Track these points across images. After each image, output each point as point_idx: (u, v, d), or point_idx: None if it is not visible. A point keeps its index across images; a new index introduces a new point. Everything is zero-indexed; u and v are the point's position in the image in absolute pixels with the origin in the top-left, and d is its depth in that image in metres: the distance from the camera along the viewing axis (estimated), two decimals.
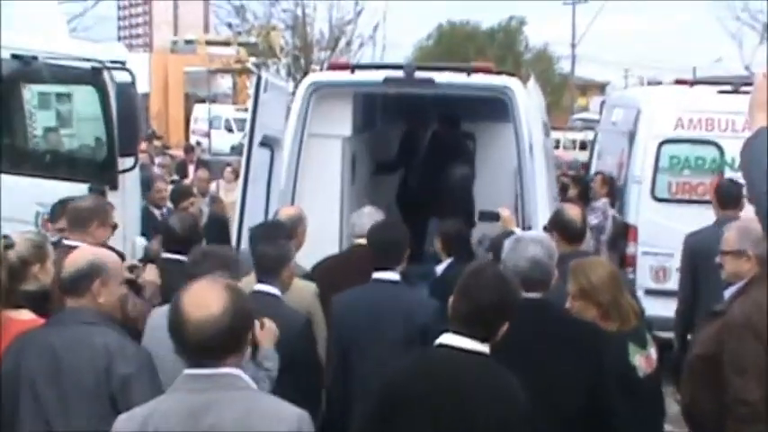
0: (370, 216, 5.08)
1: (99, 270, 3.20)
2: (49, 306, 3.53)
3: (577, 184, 8.87)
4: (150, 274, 4.49)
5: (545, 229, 5.25)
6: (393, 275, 4.23)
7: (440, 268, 5.46)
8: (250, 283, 3.89)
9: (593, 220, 7.56)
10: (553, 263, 3.52)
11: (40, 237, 3.92)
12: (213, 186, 10.78)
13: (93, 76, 6.58)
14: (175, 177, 10.65)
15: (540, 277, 3.48)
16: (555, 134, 29.63)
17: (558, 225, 4.80)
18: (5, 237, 3.66)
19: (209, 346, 2.36)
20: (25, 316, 3.43)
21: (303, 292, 4.21)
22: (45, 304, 3.55)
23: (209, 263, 3.59)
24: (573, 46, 43.33)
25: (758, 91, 2.63)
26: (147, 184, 7.78)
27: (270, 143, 6.29)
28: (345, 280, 4.37)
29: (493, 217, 5.92)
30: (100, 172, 6.74)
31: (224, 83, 42.04)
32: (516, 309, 2.99)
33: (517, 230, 5.22)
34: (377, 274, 4.22)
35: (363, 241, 4.74)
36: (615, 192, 8.35)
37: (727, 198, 5.92)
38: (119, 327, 3.25)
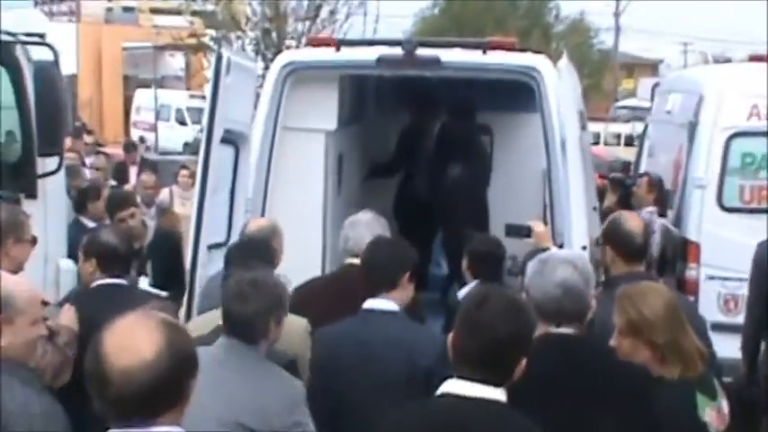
0: (369, 227, 5.05)
1: (2, 305, 3.14)
2: None
3: (617, 188, 8.95)
4: (66, 317, 4.46)
5: (584, 248, 5.29)
6: (389, 305, 4.19)
7: (462, 293, 5.49)
8: (213, 321, 3.92)
9: None
10: (590, 289, 3.55)
11: None
12: (163, 194, 10.81)
13: (1, 53, 6.40)
14: (113, 183, 10.65)
15: (574, 307, 3.51)
16: (594, 127, 29.87)
17: (613, 238, 4.83)
18: None
19: (140, 399, 2.33)
20: None
21: (290, 329, 4.13)
22: None
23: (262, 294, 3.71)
24: (616, 15, 43.70)
25: None
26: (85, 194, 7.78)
27: (234, 139, 6.34)
28: (334, 310, 4.37)
29: (523, 232, 5.98)
30: (13, 176, 6.50)
31: (174, 62, 42.11)
32: (531, 339, 3.01)
33: (553, 248, 5.27)
34: (369, 303, 4.21)
35: (358, 261, 4.76)
36: (665, 198, 8.40)
37: None
38: (32, 376, 3.20)
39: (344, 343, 4.13)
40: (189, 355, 2.43)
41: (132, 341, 2.34)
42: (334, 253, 6.97)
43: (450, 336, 2.98)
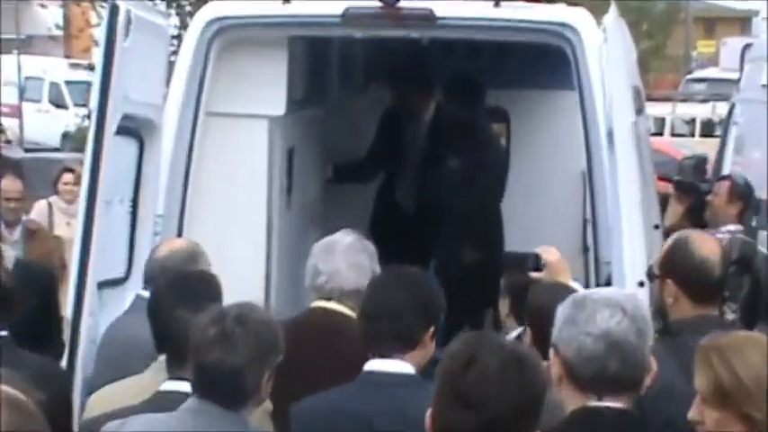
0: (348, 256, 5.15)
1: None
2: None
3: (686, 196, 9.03)
4: None
5: (641, 284, 5.34)
6: (402, 366, 4.26)
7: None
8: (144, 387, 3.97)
9: None
10: (646, 345, 3.59)
11: None
12: (37, 209, 10.82)
13: None
14: None
15: (624, 370, 3.54)
16: (656, 109, 29.59)
17: (677, 268, 4.88)
18: None
19: None
20: None
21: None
22: None
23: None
24: None
25: None
26: None
27: (137, 129, 6.40)
28: (301, 376, 4.45)
29: (528, 264, 5.94)
30: None
31: (47, 16, 42.09)
32: (541, 409, 3.03)
33: (575, 285, 5.33)
34: (373, 365, 4.29)
35: (334, 305, 4.94)
36: (754, 212, 8.46)
37: None
38: None
39: (337, 422, 4.18)
40: None
41: None
42: (282, 289, 7.01)
43: (429, 413, 3.01)
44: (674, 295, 4.79)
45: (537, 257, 5.74)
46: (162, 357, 4.37)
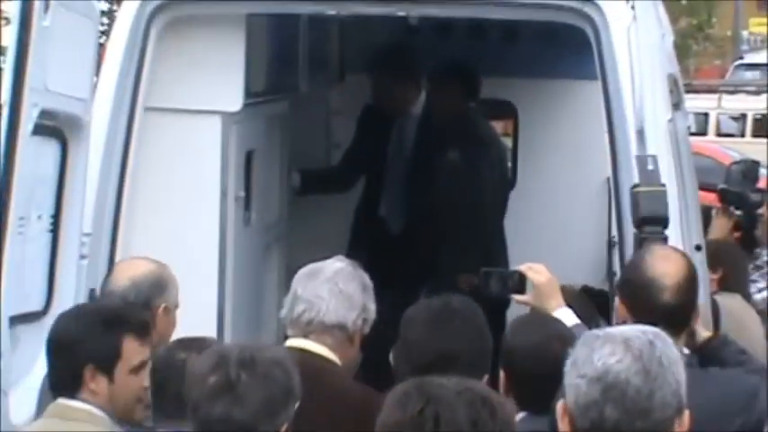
0: (332, 281, 5.25)
1: None
2: None
3: (733, 207, 9.06)
4: None
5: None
6: None
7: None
8: None
9: (756, 294, 7.74)
10: (658, 386, 3.56)
11: None
12: None
13: None
14: None
15: (627, 421, 3.49)
16: (698, 103, 29.50)
17: (626, 288, 5.13)
18: None
19: None
20: None
21: None
22: None
23: None
24: None
25: None
26: None
27: (60, 128, 6.38)
28: None
29: (509, 284, 5.87)
30: None
31: None
32: None
33: (566, 314, 5.39)
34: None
35: (312, 345, 5.08)
36: None
37: None
38: None
39: None
40: None
41: None
42: (239, 325, 7.01)
43: None
44: (623, 319, 4.97)
45: (521, 277, 5.69)
46: (60, 400, 4.49)
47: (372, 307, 5.38)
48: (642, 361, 3.49)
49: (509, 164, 8.60)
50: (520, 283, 5.64)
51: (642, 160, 5.92)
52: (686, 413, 3.51)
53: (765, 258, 8.05)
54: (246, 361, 3.77)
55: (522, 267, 5.76)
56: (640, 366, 3.48)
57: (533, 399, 4.95)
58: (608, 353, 3.48)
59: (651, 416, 3.49)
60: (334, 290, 5.20)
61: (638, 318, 4.79)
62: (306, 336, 5.16)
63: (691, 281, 5.07)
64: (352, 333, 5.28)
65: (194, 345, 4.66)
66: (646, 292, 4.93)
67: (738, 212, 9.12)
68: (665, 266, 5.02)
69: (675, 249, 5.44)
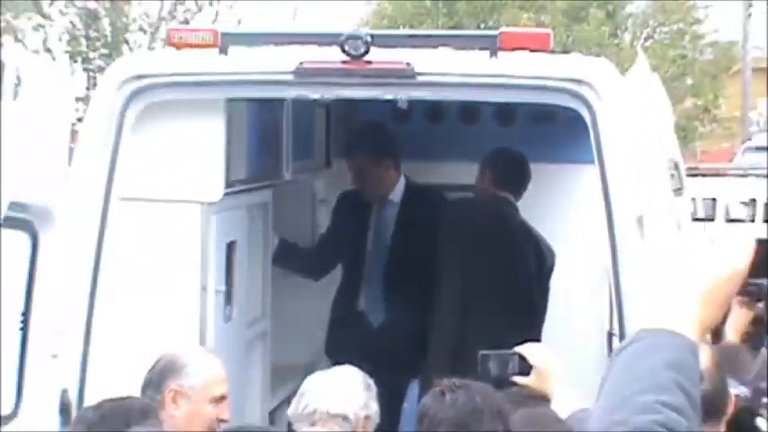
0: (337, 378, 5.66)
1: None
2: None
3: (751, 300, 9.09)
4: None
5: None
6: None
7: None
8: None
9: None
10: None
11: None
12: None
13: None
14: None
15: None
16: (706, 185, 29.47)
17: None
18: None
19: None
20: None
21: None
22: None
23: None
24: None
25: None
26: None
27: (29, 221, 6.41)
28: None
29: (508, 368, 5.91)
30: None
31: None
32: None
33: (567, 397, 5.36)
34: None
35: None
36: None
37: None
38: None
39: None
40: None
41: None
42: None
43: None
44: None
45: (522, 359, 5.73)
46: None
47: (374, 406, 5.61)
48: None
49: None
50: (520, 365, 5.70)
51: None
52: None
53: None
54: None
55: (520, 349, 5.79)
56: None
57: None
58: None
59: None
60: (336, 386, 5.54)
61: None
62: (313, 424, 5.42)
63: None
64: (354, 425, 5.49)
65: None
66: None
67: (760, 305, 9.15)
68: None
69: None
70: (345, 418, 5.46)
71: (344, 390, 5.60)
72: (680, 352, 2.93)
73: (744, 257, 3.05)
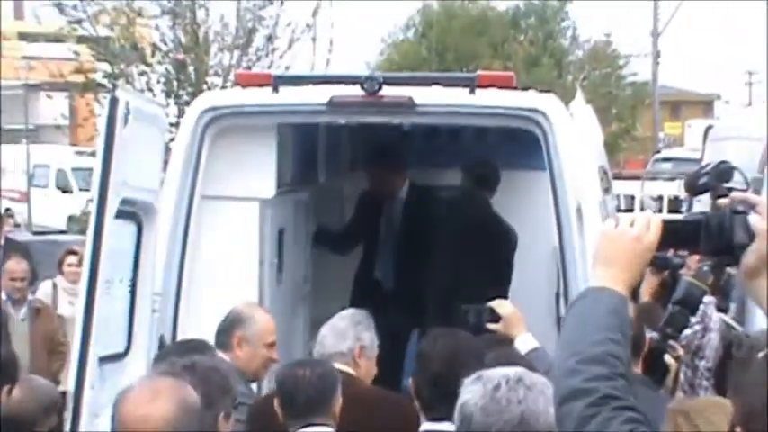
0: (331, 324, 5.54)
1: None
2: None
3: (658, 270, 9.03)
4: None
5: None
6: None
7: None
8: None
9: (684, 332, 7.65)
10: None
11: None
12: (43, 289, 10.79)
13: None
14: None
15: None
16: (625, 187, 29.81)
17: None
18: None
19: None
20: None
21: None
22: None
23: None
24: (655, 36, 44.25)
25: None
26: None
27: (136, 213, 6.42)
28: None
29: (484, 317, 5.90)
30: None
31: (54, 107, 42.13)
32: None
33: (528, 339, 5.38)
34: (429, 426, 4.39)
35: (344, 367, 5.22)
36: (725, 285, 8.44)
37: None
38: None
39: None
40: None
41: None
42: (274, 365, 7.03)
43: None
44: None
45: (492, 311, 5.76)
46: None
47: (367, 337, 5.52)
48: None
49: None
50: (491, 315, 5.70)
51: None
52: None
53: None
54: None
55: (492, 303, 5.80)
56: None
57: None
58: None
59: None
60: (330, 330, 5.50)
61: None
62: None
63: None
64: (351, 356, 5.43)
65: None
66: None
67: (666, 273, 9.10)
68: None
69: None
70: (342, 354, 5.39)
71: (335, 332, 5.50)
72: (616, 303, 3.01)
73: (654, 234, 3.09)
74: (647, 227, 3.11)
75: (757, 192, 8.44)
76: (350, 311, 5.72)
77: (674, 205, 28.70)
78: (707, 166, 3.50)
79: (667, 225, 3.12)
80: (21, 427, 5.16)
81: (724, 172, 3.35)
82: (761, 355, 2.66)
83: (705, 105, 63.82)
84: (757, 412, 2.56)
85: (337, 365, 5.24)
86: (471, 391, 3.53)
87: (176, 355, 4.71)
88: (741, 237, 3.04)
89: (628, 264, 3.11)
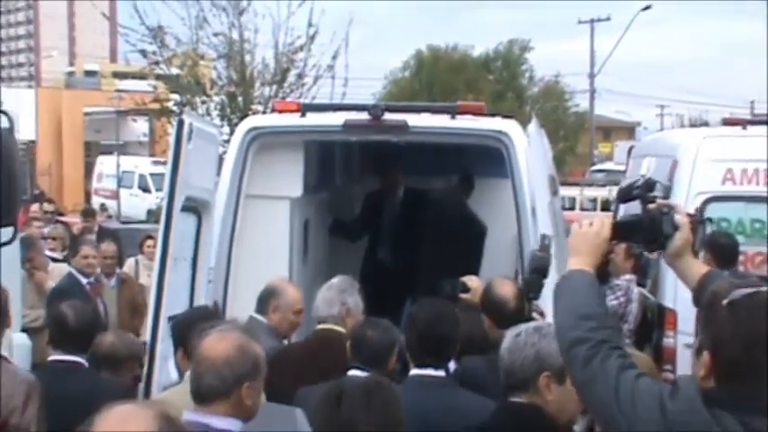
0: (321, 292, 5.39)
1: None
2: None
3: (627, 256, 8.98)
4: None
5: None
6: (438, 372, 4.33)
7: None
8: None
9: (611, 301, 7.61)
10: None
11: None
12: (128, 264, 10.79)
13: None
14: (64, 254, 10.45)
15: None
16: (569, 191, 30.06)
17: (486, 304, 5.19)
18: None
19: None
20: None
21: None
22: None
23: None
24: (591, 77, 44.19)
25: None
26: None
27: (196, 207, 6.38)
28: (310, 375, 4.53)
29: (456, 288, 5.92)
30: None
31: (137, 128, 42.19)
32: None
33: None
34: (416, 371, 4.37)
35: (331, 326, 5.15)
36: (643, 266, 8.41)
37: None
38: None
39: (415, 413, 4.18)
40: None
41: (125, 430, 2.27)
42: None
43: None
44: (489, 324, 5.07)
45: (464, 284, 5.80)
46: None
47: (351, 299, 5.36)
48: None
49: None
50: (463, 287, 5.74)
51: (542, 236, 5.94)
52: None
53: (617, 282, 7.88)
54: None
55: (464, 278, 5.87)
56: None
57: None
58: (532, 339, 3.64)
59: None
60: (319, 297, 5.38)
61: (496, 322, 4.99)
62: (319, 322, 5.33)
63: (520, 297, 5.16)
64: (340, 317, 5.26)
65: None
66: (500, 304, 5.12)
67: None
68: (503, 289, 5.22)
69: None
70: (333, 316, 5.27)
71: (325, 300, 5.35)
72: (590, 278, 3.16)
73: (607, 231, 3.31)
74: (602, 225, 3.31)
75: (666, 196, 8.39)
76: (336, 281, 5.48)
77: (606, 206, 28.80)
78: (637, 180, 3.68)
79: (616, 224, 3.34)
80: (114, 363, 5.13)
81: (651, 184, 3.52)
82: (724, 302, 2.65)
83: (629, 130, 63.75)
84: (726, 341, 2.61)
85: (329, 326, 5.21)
86: (505, 340, 3.67)
87: (197, 319, 4.61)
88: (668, 230, 3.31)
89: (591, 252, 3.25)
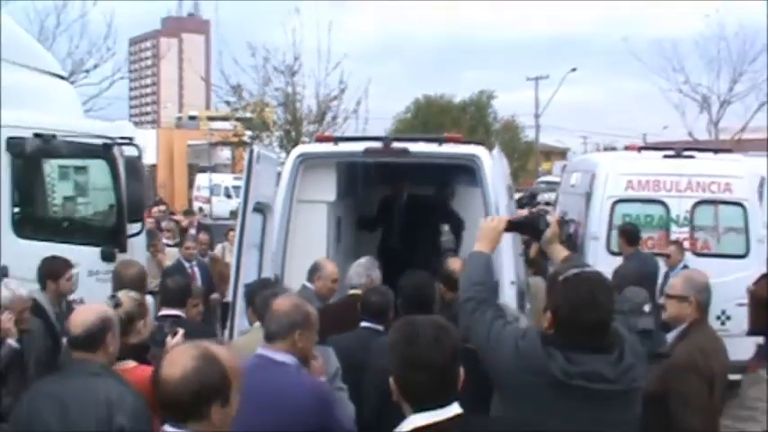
0: (354, 267, 5.34)
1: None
2: (146, 355, 3.69)
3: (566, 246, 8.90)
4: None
5: (512, 282, 5.29)
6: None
7: None
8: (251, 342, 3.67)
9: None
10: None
11: (140, 295, 4.04)
12: (218, 249, 10.82)
13: (104, 151, 6.76)
14: (175, 241, 10.53)
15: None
16: (521, 196, 29.97)
17: (442, 278, 5.08)
18: (113, 296, 3.81)
19: (169, 405, 2.23)
20: (131, 365, 3.54)
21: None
22: (145, 354, 3.70)
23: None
24: (536, 116, 44.10)
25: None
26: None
27: (262, 209, 6.34)
28: (339, 326, 4.44)
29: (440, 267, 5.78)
30: (111, 236, 6.83)
31: (223, 154, 42.26)
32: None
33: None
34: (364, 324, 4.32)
35: (350, 291, 5.09)
36: (575, 246, 8.39)
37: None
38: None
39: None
40: (212, 381, 2.24)
41: (174, 361, 2.28)
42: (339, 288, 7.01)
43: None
44: (441, 291, 4.86)
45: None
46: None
47: (374, 273, 5.27)
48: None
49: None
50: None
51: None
52: None
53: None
54: None
55: (448, 259, 5.72)
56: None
57: None
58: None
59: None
60: (351, 270, 5.33)
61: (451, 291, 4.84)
62: (351, 288, 5.25)
63: None
64: (366, 285, 5.15)
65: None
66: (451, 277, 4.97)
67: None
68: (453, 265, 5.15)
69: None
70: (361, 284, 5.17)
71: (356, 271, 5.27)
72: (487, 258, 3.22)
73: (502, 225, 3.36)
74: (500, 221, 3.38)
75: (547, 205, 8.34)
76: (363, 260, 5.40)
77: (547, 206, 28.65)
78: (525, 195, 3.77)
79: (509, 221, 3.42)
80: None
81: (533, 196, 3.65)
82: (560, 278, 2.76)
83: (563, 154, 63.19)
84: (560, 304, 2.70)
85: (358, 291, 5.11)
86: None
87: (263, 287, 4.57)
88: (543, 226, 3.42)
89: (489, 239, 3.28)
